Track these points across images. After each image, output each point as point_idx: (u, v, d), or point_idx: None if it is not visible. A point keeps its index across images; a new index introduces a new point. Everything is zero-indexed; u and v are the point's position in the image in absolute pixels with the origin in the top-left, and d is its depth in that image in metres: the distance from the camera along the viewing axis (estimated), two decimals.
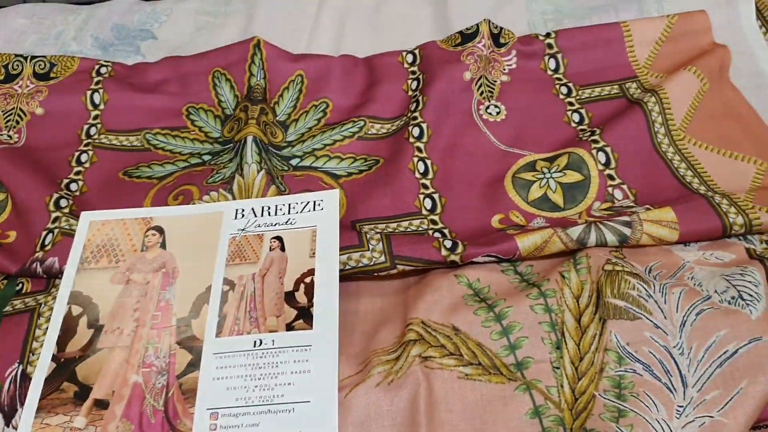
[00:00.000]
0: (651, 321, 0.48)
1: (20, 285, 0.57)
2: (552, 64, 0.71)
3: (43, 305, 0.55)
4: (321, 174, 0.64)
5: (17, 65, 0.73)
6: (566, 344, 0.49)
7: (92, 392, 0.49)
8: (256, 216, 0.58)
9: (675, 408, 0.45)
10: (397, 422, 0.46)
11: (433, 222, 0.59)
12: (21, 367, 0.51)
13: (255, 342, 0.50)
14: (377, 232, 0.56)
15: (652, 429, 0.44)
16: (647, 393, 0.46)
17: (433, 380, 0.47)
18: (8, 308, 0.55)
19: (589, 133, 0.64)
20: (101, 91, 0.71)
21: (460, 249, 0.54)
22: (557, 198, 0.60)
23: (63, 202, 0.60)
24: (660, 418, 0.44)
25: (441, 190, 0.61)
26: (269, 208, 0.59)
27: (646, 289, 0.50)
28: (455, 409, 0.46)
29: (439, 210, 0.60)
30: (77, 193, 0.63)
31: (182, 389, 0.49)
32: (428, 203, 0.60)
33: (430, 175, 0.62)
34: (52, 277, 0.57)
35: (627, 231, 0.54)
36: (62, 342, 0.52)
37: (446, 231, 0.58)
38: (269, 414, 0.47)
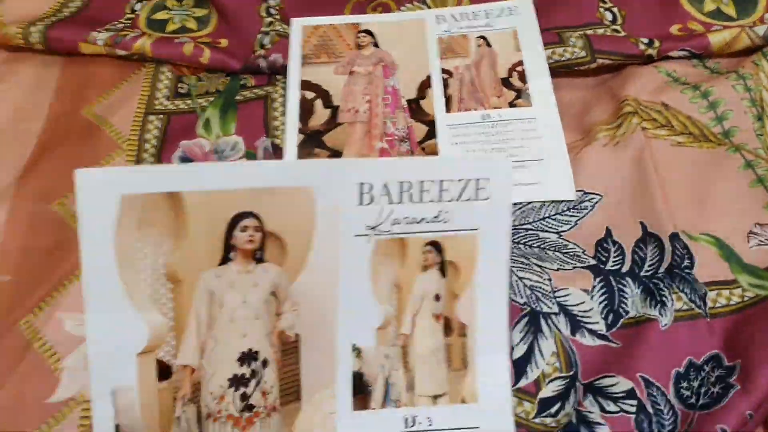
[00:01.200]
0: None
1: (243, 80, 0.62)
2: None
3: (273, 93, 0.60)
4: None
5: None
6: (767, 117, 0.54)
7: (343, 155, 0.55)
8: (456, 20, 0.63)
9: None
10: (625, 175, 0.52)
11: (616, 31, 0.64)
12: (269, 140, 0.57)
13: (483, 116, 0.56)
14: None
15: None
16: None
17: (653, 145, 0.53)
18: (239, 97, 0.60)
19: None
20: None
21: (656, 44, 0.59)
22: (730, 10, 0.64)
23: (272, 10, 0.65)
24: None
25: (619, 5, 0.66)
26: (467, 13, 0.63)
27: None
28: (675, 169, 0.52)
29: (620, 21, 0.64)
30: (276, 7, 0.67)
31: (425, 152, 0.55)
32: (609, 15, 0.65)
33: None
34: (275, 72, 0.62)
35: None
36: (303, 119, 0.57)
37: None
38: None
